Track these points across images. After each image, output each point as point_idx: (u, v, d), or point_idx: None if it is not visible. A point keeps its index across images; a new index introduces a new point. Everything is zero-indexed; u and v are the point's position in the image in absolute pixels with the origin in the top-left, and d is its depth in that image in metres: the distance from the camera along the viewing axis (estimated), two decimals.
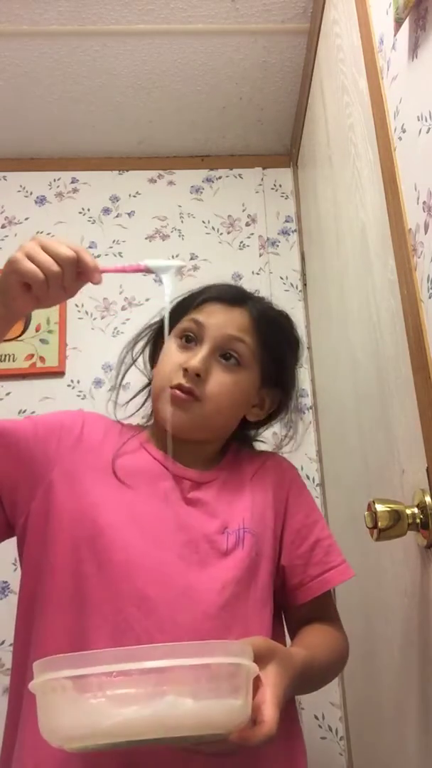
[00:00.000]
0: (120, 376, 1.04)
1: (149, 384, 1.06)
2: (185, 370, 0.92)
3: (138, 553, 0.84)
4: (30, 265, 0.76)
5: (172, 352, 0.97)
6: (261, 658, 0.69)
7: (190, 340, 0.96)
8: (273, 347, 0.99)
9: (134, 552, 0.84)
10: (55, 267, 0.77)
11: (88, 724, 0.59)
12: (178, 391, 0.92)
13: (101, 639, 0.79)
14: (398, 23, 1.02)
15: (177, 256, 2.17)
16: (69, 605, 0.82)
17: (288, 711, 0.91)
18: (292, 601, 0.94)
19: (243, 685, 0.64)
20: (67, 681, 0.59)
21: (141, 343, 1.07)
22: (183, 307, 1.00)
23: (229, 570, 0.87)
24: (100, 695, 0.58)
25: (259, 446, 1.13)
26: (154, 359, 1.05)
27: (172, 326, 0.94)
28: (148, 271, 0.87)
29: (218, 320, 0.96)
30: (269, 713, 0.67)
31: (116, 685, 0.58)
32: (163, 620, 0.81)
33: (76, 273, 0.80)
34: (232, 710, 0.62)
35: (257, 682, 0.69)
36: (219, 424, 0.98)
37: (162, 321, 0.97)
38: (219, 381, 0.94)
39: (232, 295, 0.99)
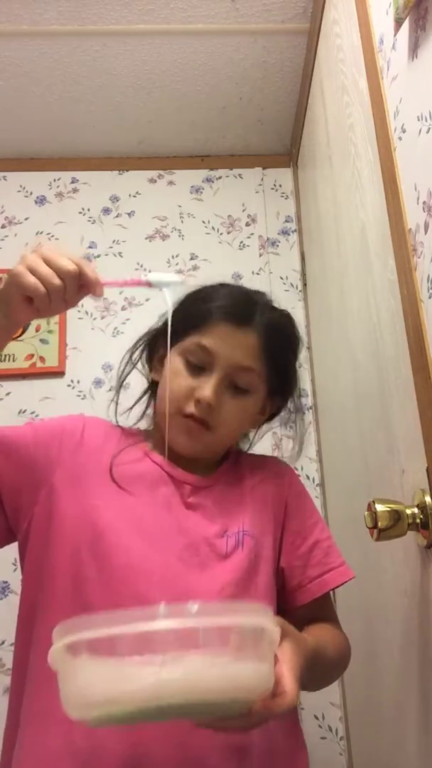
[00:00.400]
0: (119, 385, 1.03)
1: (149, 387, 1.05)
2: (197, 400, 0.91)
3: (138, 556, 0.85)
4: (32, 279, 0.76)
5: (180, 372, 0.94)
6: None
7: (198, 364, 0.94)
8: (280, 363, 0.97)
9: (135, 555, 0.84)
10: (56, 281, 0.77)
11: (116, 687, 0.56)
12: (191, 422, 0.92)
13: None
14: (398, 23, 1.02)
15: (177, 256, 2.17)
16: (69, 608, 0.82)
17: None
18: (292, 603, 0.94)
19: (269, 650, 0.63)
20: (93, 643, 0.57)
21: (139, 350, 1.06)
22: (188, 317, 0.96)
23: (228, 572, 0.87)
24: (128, 657, 0.57)
25: (259, 448, 1.12)
26: (151, 360, 1.04)
27: (175, 330, 0.92)
28: (149, 285, 0.87)
29: (228, 348, 0.92)
30: (290, 684, 0.66)
31: (145, 646, 0.57)
32: None
33: (77, 286, 0.80)
34: (260, 673, 0.61)
35: (274, 659, 0.68)
36: (227, 444, 1.00)
37: (163, 328, 0.98)
38: (230, 409, 0.93)
39: (240, 313, 0.94)
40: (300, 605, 0.93)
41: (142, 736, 0.76)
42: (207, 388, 0.90)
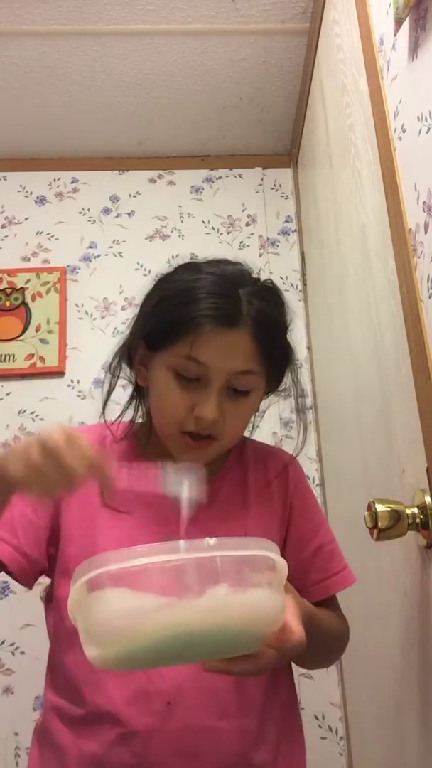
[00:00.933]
0: (105, 399, 0.96)
1: (135, 390, 0.97)
2: (198, 417, 0.83)
3: None
4: (40, 486, 0.67)
5: (171, 388, 0.85)
6: None
7: (191, 377, 0.84)
8: (277, 350, 0.88)
9: None
10: (66, 485, 0.68)
11: (138, 616, 0.58)
12: (194, 439, 0.85)
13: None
14: (398, 23, 1.02)
15: (177, 256, 2.17)
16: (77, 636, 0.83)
17: (290, 704, 0.92)
18: None
19: (280, 582, 0.66)
20: (116, 575, 0.59)
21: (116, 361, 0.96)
22: (168, 324, 0.84)
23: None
24: (147, 587, 0.58)
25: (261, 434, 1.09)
26: (132, 364, 0.95)
27: (153, 336, 0.86)
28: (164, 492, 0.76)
29: (221, 356, 0.83)
30: (296, 624, 0.69)
31: (163, 576, 0.59)
32: None
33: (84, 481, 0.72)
34: (276, 603, 0.64)
35: None
36: (234, 444, 0.93)
37: (135, 331, 0.92)
38: (234, 415, 0.86)
39: (227, 313, 0.83)
40: None
41: (148, 745, 0.77)
42: (207, 405, 0.82)
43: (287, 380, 0.94)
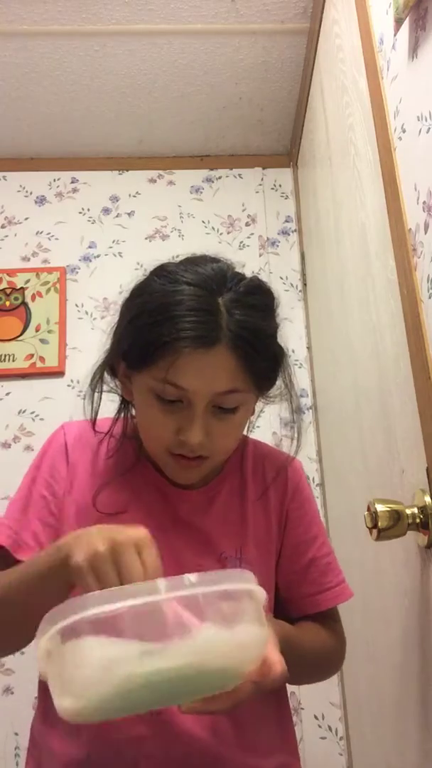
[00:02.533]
0: (93, 417, 0.92)
1: (122, 403, 0.93)
2: (183, 442, 0.79)
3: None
4: (92, 582, 0.62)
5: (154, 413, 0.80)
6: None
7: (172, 399, 0.79)
8: (263, 361, 0.81)
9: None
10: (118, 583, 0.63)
11: (123, 665, 0.54)
12: (183, 459, 0.82)
13: None
14: (398, 23, 1.02)
15: (177, 256, 2.17)
16: None
17: (282, 704, 0.91)
18: (286, 612, 0.91)
19: (261, 611, 0.63)
20: (90, 622, 0.55)
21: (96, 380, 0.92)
22: (142, 344, 0.79)
23: None
24: (128, 633, 0.55)
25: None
26: (116, 376, 0.91)
27: (130, 355, 0.81)
28: None
29: (200, 379, 0.76)
30: (276, 655, 0.67)
31: (145, 620, 0.55)
32: None
33: None
34: (260, 636, 0.62)
35: None
36: (227, 457, 0.90)
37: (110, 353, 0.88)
38: (222, 432, 0.81)
39: (204, 334, 0.75)
40: (294, 617, 0.90)
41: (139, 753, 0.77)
42: (191, 430, 0.78)
43: (280, 382, 0.88)
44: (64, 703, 0.58)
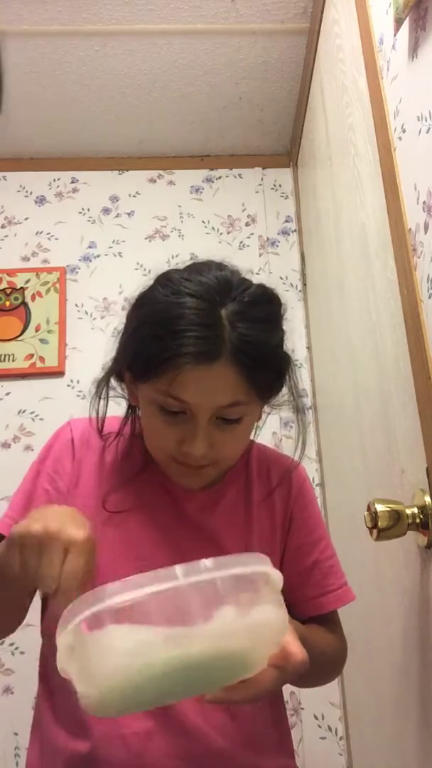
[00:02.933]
0: (99, 429, 0.93)
1: (129, 408, 0.94)
2: (186, 453, 0.80)
3: None
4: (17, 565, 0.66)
5: (158, 423, 0.81)
6: None
7: (175, 410, 0.79)
8: (264, 376, 0.80)
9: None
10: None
11: (148, 650, 0.55)
12: (188, 468, 0.83)
13: None
14: (398, 23, 1.02)
15: (177, 256, 2.17)
16: None
17: (278, 706, 0.91)
18: (290, 614, 0.92)
19: (279, 594, 0.64)
20: (112, 611, 0.55)
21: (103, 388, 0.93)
22: (143, 357, 0.79)
23: None
24: (150, 619, 0.56)
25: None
26: (122, 377, 0.91)
27: (128, 348, 0.82)
28: None
29: (202, 393, 0.77)
30: (296, 643, 0.67)
31: (166, 606, 0.56)
32: None
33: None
34: (280, 617, 0.63)
35: None
36: (232, 464, 0.90)
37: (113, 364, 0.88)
38: (228, 443, 0.82)
39: (206, 349, 0.75)
40: (298, 620, 0.90)
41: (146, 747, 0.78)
42: (194, 442, 0.78)
43: (286, 388, 0.88)
44: (90, 696, 0.58)
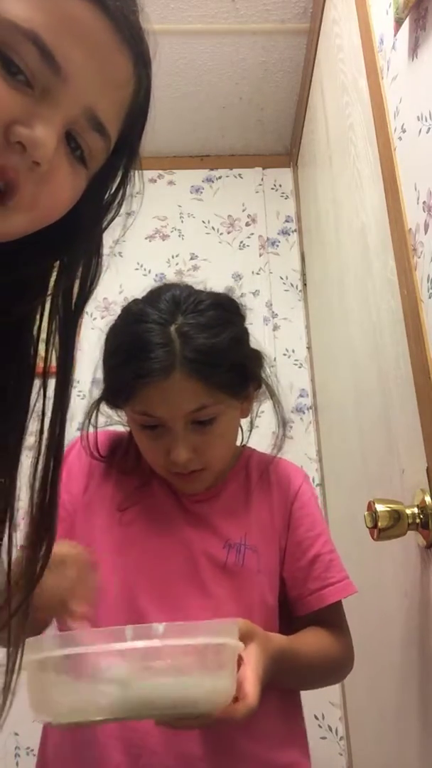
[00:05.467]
0: (91, 454, 0.96)
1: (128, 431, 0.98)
2: (173, 462, 0.86)
3: (135, 573, 0.87)
4: None
5: (144, 440, 0.89)
6: (241, 639, 0.71)
7: (151, 425, 0.86)
8: (225, 376, 0.85)
9: (131, 573, 0.87)
10: None
11: (80, 703, 0.61)
12: (181, 476, 0.89)
13: None
14: (398, 23, 1.02)
15: (177, 256, 2.18)
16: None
17: (289, 699, 0.94)
18: (293, 612, 0.94)
19: (228, 663, 0.67)
20: (61, 660, 0.61)
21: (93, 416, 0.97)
22: (108, 385, 0.90)
23: (226, 588, 0.87)
24: (91, 674, 0.61)
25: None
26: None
27: (104, 376, 0.91)
28: None
29: (167, 406, 0.84)
30: (250, 689, 0.70)
31: (108, 664, 0.61)
32: None
33: None
34: (220, 688, 0.65)
35: (239, 661, 0.71)
36: (228, 460, 0.95)
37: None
38: (211, 444, 0.87)
39: (157, 368, 0.82)
40: (300, 616, 0.92)
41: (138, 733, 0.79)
42: (176, 450, 0.85)
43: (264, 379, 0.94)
44: (34, 715, 0.65)
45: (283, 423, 0.98)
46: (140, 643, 0.61)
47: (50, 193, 0.46)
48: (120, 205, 0.60)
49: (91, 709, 0.61)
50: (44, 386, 0.55)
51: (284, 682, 0.85)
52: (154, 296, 0.91)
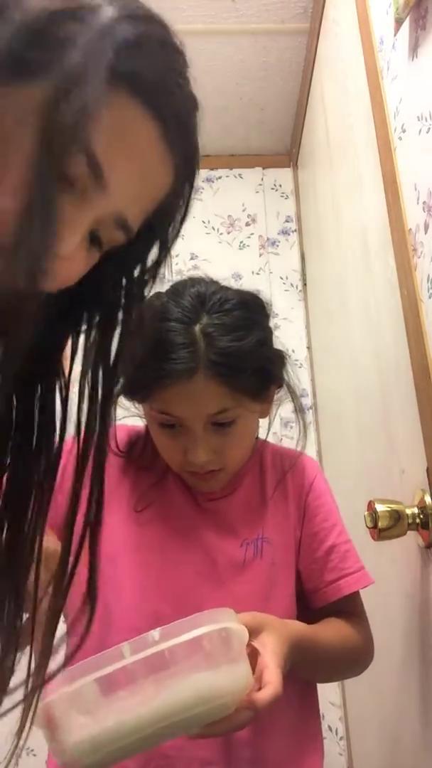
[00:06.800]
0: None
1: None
2: (190, 462, 0.85)
3: (153, 574, 0.86)
4: None
5: (161, 437, 0.87)
6: (252, 632, 0.70)
7: (170, 423, 0.85)
8: (248, 380, 0.83)
9: (150, 573, 0.86)
10: None
11: (102, 732, 0.59)
12: (198, 475, 0.88)
13: None
14: (398, 23, 1.02)
15: (177, 256, 2.18)
16: (97, 630, 0.83)
17: (308, 698, 0.92)
18: (310, 604, 0.93)
19: (240, 650, 0.65)
20: (69, 696, 0.60)
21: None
22: (130, 380, 0.82)
23: (244, 584, 0.87)
24: (106, 700, 0.59)
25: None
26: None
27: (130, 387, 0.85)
28: None
29: (189, 407, 0.82)
30: (272, 675, 0.68)
31: (117, 686, 0.59)
32: None
33: None
34: (236, 674, 0.64)
35: (255, 653, 0.70)
36: (243, 464, 0.94)
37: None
38: (229, 445, 0.86)
39: (181, 369, 0.80)
40: (318, 607, 0.92)
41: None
42: (194, 451, 0.83)
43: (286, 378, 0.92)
44: (60, 759, 0.63)
45: (304, 425, 0.97)
46: (143, 655, 0.59)
47: (60, 266, 0.44)
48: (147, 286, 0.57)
49: (119, 733, 0.58)
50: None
51: (304, 671, 0.84)
52: (178, 291, 0.87)
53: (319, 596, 0.91)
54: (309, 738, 0.90)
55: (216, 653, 0.62)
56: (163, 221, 0.53)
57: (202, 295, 0.85)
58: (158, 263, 0.56)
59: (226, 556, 0.88)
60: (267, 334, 0.88)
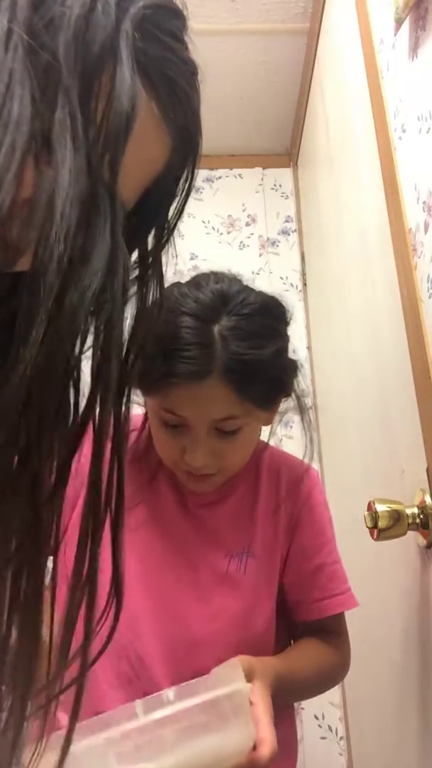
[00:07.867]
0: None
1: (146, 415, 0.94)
2: (188, 464, 0.83)
3: (135, 579, 0.85)
4: None
5: (161, 434, 0.84)
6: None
7: (174, 424, 0.82)
8: (259, 389, 0.80)
9: (131, 578, 0.84)
10: None
11: None
12: (193, 476, 0.85)
13: (101, 662, 0.80)
14: (398, 23, 1.02)
15: (177, 256, 2.17)
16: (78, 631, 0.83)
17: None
18: (292, 616, 0.92)
19: (246, 710, 0.66)
20: (76, 756, 0.58)
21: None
22: (141, 372, 0.80)
23: (224, 597, 0.86)
24: (117, 763, 0.59)
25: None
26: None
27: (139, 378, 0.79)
28: None
29: (196, 409, 0.79)
30: (267, 732, 0.68)
31: (129, 747, 0.59)
32: (152, 644, 0.82)
33: None
34: (245, 735, 0.65)
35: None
36: (239, 470, 0.91)
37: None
38: (230, 452, 0.83)
39: (195, 369, 0.75)
40: (300, 621, 0.91)
41: None
42: (194, 453, 0.80)
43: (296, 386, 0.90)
44: None
45: (311, 439, 0.94)
46: (154, 716, 0.60)
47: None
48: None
49: None
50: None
51: (281, 702, 0.83)
52: (199, 285, 0.82)
53: (303, 611, 0.90)
54: (281, 744, 0.90)
55: (228, 715, 0.63)
56: (163, 199, 0.50)
57: (225, 294, 0.80)
58: (160, 245, 0.52)
59: (209, 565, 0.87)
60: (285, 343, 0.85)
